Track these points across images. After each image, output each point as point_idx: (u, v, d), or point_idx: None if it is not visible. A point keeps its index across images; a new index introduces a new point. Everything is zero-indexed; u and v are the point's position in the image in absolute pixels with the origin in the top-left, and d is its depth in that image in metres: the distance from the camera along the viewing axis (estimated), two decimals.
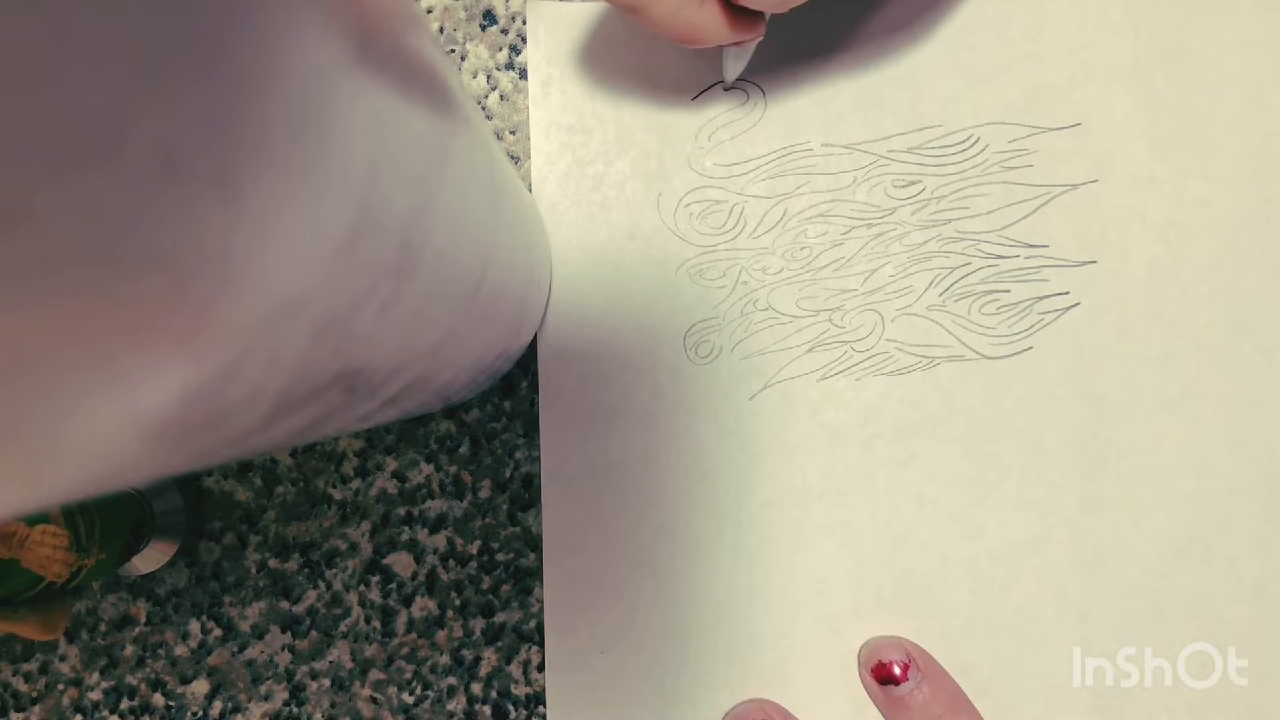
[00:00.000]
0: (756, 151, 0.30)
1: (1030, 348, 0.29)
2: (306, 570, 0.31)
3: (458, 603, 0.31)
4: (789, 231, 0.30)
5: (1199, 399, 0.29)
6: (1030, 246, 0.29)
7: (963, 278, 0.29)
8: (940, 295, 0.29)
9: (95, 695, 0.32)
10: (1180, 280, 0.29)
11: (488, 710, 0.31)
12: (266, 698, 0.31)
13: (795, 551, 0.29)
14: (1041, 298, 0.29)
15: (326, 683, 0.31)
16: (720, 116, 0.30)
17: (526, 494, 0.31)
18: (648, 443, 0.30)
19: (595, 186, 0.30)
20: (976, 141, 0.29)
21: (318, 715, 0.31)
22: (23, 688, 0.32)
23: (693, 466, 0.30)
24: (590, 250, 0.30)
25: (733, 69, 0.29)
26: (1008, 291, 0.29)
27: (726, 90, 0.30)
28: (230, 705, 0.31)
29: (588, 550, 0.30)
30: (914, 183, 0.29)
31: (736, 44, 0.26)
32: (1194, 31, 0.29)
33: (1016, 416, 0.29)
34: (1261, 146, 0.29)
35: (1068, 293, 0.29)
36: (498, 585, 0.31)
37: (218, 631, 0.31)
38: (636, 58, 0.30)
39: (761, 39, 0.27)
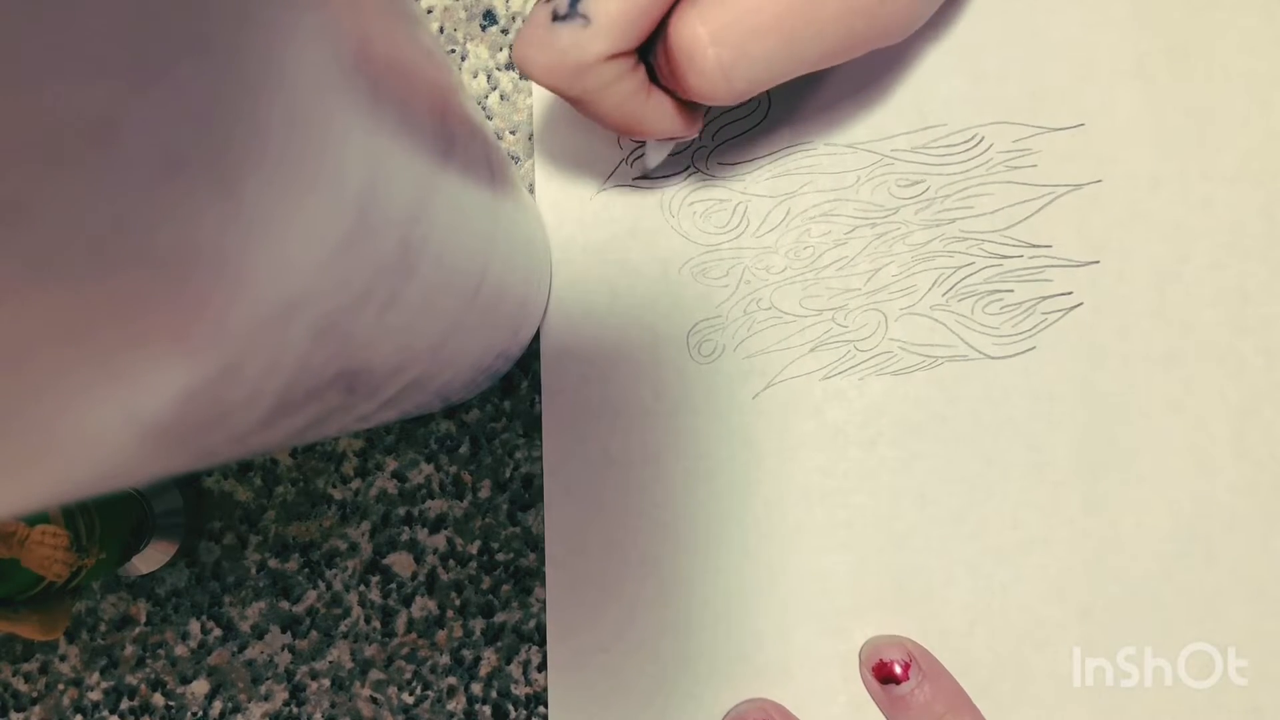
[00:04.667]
0: (760, 150, 0.30)
1: (1034, 347, 0.29)
2: (306, 570, 0.31)
3: (458, 603, 0.31)
4: (792, 230, 0.30)
5: (1201, 399, 0.29)
6: (1034, 246, 0.29)
7: (966, 277, 0.29)
8: (944, 295, 0.29)
9: (95, 695, 0.31)
10: (1183, 280, 0.29)
11: (488, 710, 0.31)
12: (266, 698, 0.31)
13: (797, 551, 0.29)
14: (1045, 298, 0.29)
15: (326, 683, 0.31)
16: (724, 115, 0.30)
17: (526, 494, 0.31)
18: (650, 442, 0.30)
19: (598, 185, 0.30)
20: (980, 141, 0.29)
21: (318, 715, 0.31)
22: (23, 688, 0.32)
23: (695, 466, 0.30)
24: (593, 249, 0.30)
25: (654, 158, 0.28)
26: (1011, 291, 0.29)
27: (638, 179, 0.29)
28: (230, 705, 0.31)
29: (589, 549, 0.30)
30: (917, 182, 0.29)
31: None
32: (1198, 30, 0.29)
33: (1019, 416, 0.29)
34: (1265, 146, 0.29)
35: (1071, 293, 0.29)
36: (498, 585, 0.31)
37: (218, 631, 0.31)
38: None
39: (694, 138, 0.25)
